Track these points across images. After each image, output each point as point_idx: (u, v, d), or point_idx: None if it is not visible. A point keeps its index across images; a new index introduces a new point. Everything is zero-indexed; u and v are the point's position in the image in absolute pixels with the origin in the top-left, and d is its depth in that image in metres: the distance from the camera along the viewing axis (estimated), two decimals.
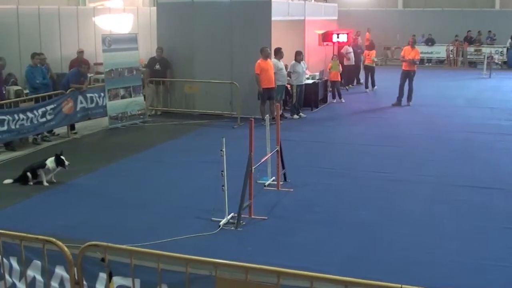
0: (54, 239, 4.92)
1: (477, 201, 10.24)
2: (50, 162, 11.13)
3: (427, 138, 15.30)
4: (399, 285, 3.91)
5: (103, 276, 4.90)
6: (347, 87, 23.78)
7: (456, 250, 8.12)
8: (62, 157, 11.15)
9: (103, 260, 4.80)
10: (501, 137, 15.36)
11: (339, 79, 21.31)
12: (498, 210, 9.77)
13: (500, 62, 33.18)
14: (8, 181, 11.20)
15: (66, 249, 4.85)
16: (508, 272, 7.47)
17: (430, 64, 34.74)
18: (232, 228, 8.75)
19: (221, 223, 8.82)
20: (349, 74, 24.08)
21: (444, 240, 8.52)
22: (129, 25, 24.89)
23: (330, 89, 21.32)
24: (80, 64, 16.17)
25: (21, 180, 11.14)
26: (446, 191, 10.80)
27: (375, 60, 24.96)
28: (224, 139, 8.85)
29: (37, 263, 5.21)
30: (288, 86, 17.91)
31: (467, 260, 7.80)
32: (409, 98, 20.30)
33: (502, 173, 11.99)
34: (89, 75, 18.56)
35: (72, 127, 15.71)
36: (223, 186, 8.84)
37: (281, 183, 10.78)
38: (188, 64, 18.27)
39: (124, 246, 5.10)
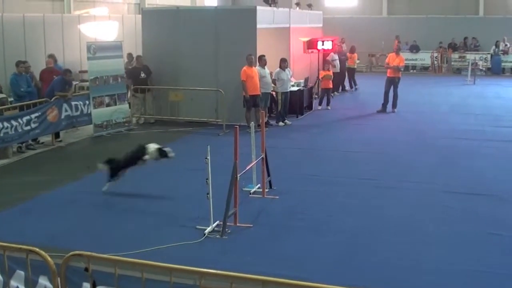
0: (37, 249, 4.89)
1: (462, 207, 10.30)
2: (151, 152, 10.88)
3: (412, 144, 15.37)
4: None
5: (86, 286, 4.89)
6: (332, 94, 23.83)
7: (442, 256, 8.15)
8: (165, 149, 10.97)
9: (86, 269, 4.78)
10: (485, 143, 15.45)
11: (331, 87, 21.43)
12: (483, 216, 9.83)
13: (484, 69, 33.38)
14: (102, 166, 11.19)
15: (49, 259, 4.82)
16: (493, 278, 7.52)
17: (415, 71, 34.90)
18: (217, 236, 8.74)
19: (206, 231, 8.81)
20: (335, 81, 24.10)
21: (429, 247, 8.56)
22: (114, 33, 24.83)
23: (316, 96, 21.39)
24: (65, 72, 16.09)
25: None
26: (432, 197, 10.84)
27: (357, 62, 26.38)
28: (209, 146, 8.84)
29: (21, 273, 5.18)
30: (273, 93, 17.93)
31: (453, 266, 7.83)
32: (394, 104, 20.38)
33: (487, 179, 12.05)
34: (74, 82, 18.49)
35: (56, 135, 15.63)
36: (208, 194, 8.82)
37: (267, 190, 10.78)
38: (173, 71, 18.24)
39: (107, 256, 5.08)
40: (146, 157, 10.84)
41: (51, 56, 17.50)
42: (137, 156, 10.97)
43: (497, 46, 33.79)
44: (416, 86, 26.91)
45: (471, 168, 12.91)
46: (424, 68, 35.37)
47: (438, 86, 28.21)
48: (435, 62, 34.86)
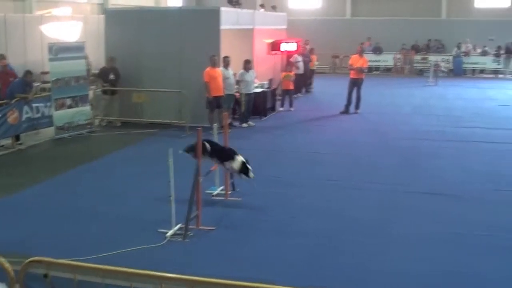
0: None
1: (425, 207, 10.41)
2: (237, 163, 10.16)
3: (375, 145, 15.49)
4: None
5: None
6: (295, 95, 23.87)
7: (407, 257, 8.25)
8: (248, 166, 10.32)
9: (46, 276, 4.71)
10: (447, 144, 15.64)
11: (292, 88, 21.44)
12: (446, 216, 9.95)
13: (446, 70, 33.87)
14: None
15: (7, 265, 4.75)
16: (457, 277, 7.61)
17: (378, 72, 35.20)
18: (180, 239, 8.68)
19: (168, 234, 8.73)
20: (298, 83, 24.16)
21: (394, 247, 8.64)
22: (77, 34, 24.58)
23: (279, 97, 21.45)
24: (26, 74, 15.85)
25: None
26: (395, 198, 10.95)
27: (316, 64, 27.50)
28: (171, 149, 8.79)
29: None
30: (237, 94, 17.91)
31: (418, 266, 7.92)
32: (357, 106, 20.53)
33: (449, 179, 12.20)
34: (35, 84, 18.24)
35: (17, 138, 15.37)
36: (170, 196, 8.76)
37: (230, 192, 10.74)
38: (136, 72, 18.07)
39: (67, 261, 5.03)
40: (228, 164, 10.22)
41: (3, 56, 17.16)
42: (224, 157, 10.27)
43: (459, 48, 34.35)
44: (379, 87, 27.13)
45: (433, 169, 13.06)
46: (387, 70, 35.75)
47: (401, 87, 28.54)
48: (398, 64, 35.28)
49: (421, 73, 33.82)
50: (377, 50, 35.19)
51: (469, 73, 34.36)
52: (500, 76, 33.89)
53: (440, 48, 35.67)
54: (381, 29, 35.69)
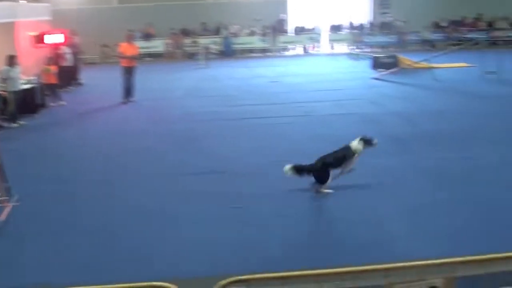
0: None
1: (203, 187, 10.64)
2: (357, 147, 10.17)
3: (150, 132, 15.62)
4: None
5: None
6: (66, 89, 23.21)
7: (193, 237, 8.48)
8: (368, 138, 10.32)
9: None
10: (219, 123, 16.26)
11: (55, 82, 20.75)
12: (222, 192, 10.31)
13: (217, 52, 34.96)
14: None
15: None
16: (237, 246, 8.02)
17: (150, 58, 35.32)
18: None
19: None
20: (68, 75, 23.53)
21: (179, 228, 8.86)
22: None
23: (48, 92, 20.82)
24: None
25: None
26: (171, 182, 11.13)
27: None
28: None
29: None
30: (3, 93, 17.08)
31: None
32: (131, 94, 20.49)
33: (222, 157, 12.62)
34: None
35: None
36: None
37: (5, 198, 10.27)
38: None
39: None
40: (356, 156, 10.21)
41: None
42: (344, 157, 10.17)
43: (227, 29, 35.69)
44: (152, 73, 27.38)
45: (207, 149, 13.44)
46: (158, 55, 36.02)
47: (173, 72, 29.04)
48: (169, 49, 35.74)
49: (192, 56, 34.50)
50: (147, 36, 35.33)
51: (239, 53, 35.81)
52: (268, 54, 35.92)
53: (209, 31, 36.66)
54: (149, 15, 35.84)
